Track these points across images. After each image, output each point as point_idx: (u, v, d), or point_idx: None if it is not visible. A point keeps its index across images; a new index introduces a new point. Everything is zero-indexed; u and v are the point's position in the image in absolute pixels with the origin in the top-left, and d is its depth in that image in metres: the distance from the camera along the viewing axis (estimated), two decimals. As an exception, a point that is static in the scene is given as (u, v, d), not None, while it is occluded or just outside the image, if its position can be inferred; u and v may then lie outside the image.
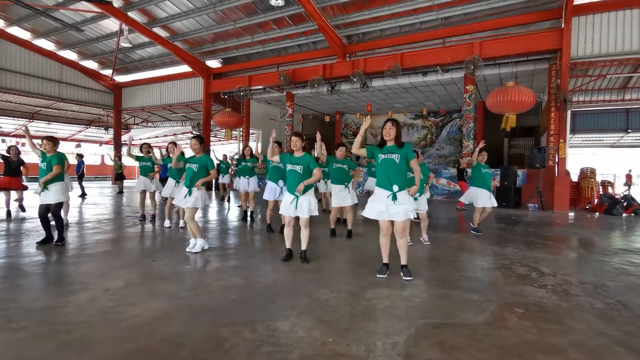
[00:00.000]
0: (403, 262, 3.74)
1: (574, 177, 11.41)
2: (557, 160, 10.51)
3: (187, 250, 4.74)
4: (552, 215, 9.17)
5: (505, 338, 2.44)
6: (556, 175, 10.46)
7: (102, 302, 2.99)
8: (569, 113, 10.76)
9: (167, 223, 6.66)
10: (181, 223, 6.59)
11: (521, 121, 12.82)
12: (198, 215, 7.63)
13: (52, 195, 4.94)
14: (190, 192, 4.70)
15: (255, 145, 6.98)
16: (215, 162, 10.69)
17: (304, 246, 4.25)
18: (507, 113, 10.36)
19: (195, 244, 4.75)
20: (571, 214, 9.60)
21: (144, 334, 2.44)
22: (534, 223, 7.91)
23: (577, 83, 11.77)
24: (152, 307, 2.90)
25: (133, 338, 2.38)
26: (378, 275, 3.72)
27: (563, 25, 10.15)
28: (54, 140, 5.21)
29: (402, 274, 3.70)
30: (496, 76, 12.37)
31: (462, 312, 2.86)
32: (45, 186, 4.92)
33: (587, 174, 11.33)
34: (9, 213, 7.47)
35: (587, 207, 10.57)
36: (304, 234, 4.22)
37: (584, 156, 20.46)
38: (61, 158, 5.10)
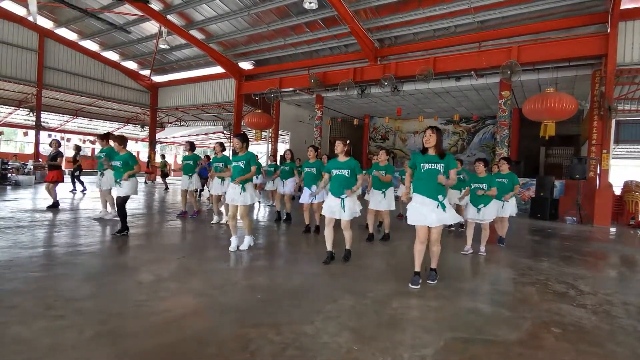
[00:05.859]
0: (433, 265, 3.80)
1: (617, 190, 10.76)
2: (598, 172, 9.95)
3: (231, 249, 4.79)
4: (592, 230, 8.68)
5: (542, 359, 2.32)
6: (597, 187, 9.90)
7: (135, 295, 3.09)
8: (613, 122, 10.17)
9: (215, 219, 6.99)
10: (224, 219, 6.87)
11: (560, 129, 12.19)
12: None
13: (123, 189, 5.48)
14: (244, 189, 4.71)
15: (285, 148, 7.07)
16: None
17: (348, 245, 4.48)
18: (545, 121, 9.92)
19: (242, 242, 4.88)
20: (613, 229, 9.05)
21: (173, 329, 2.50)
22: (572, 237, 7.51)
23: (622, 91, 11.10)
24: (181, 303, 2.97)
25: (163, 333, 2.44)
26: (411, 286, 3.59)
27: (609, 30, 9.62)
28: (123, 140, 5.77)
29: (429, 277, 3.76)
30: (534, 82, 11.88)
31: (493, 328, 2.75)
32: (118, 181, 5.57)
33: (631, 188, 10.65)
34: (55, 204, 7.76)
35: (631, 222, 9.93)
36: (347, 235, 4.41)
37: (629, 168, 19.19)
38: (134, 158, 5.73)
